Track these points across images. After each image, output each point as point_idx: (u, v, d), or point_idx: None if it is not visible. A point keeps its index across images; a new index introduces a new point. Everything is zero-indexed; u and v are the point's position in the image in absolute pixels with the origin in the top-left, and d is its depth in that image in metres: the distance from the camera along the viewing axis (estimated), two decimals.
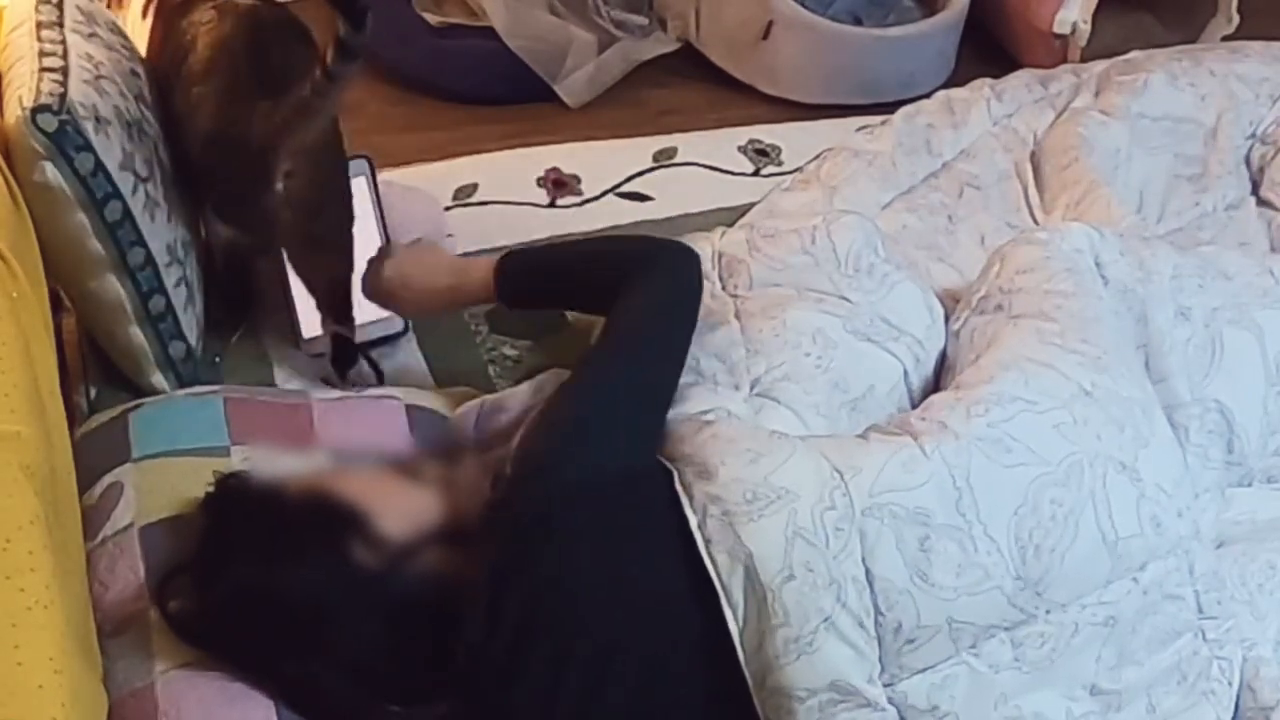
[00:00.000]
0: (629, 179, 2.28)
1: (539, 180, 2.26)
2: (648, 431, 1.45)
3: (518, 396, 1.67)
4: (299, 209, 1.66)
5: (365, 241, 1.84)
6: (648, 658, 1.33)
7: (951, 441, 1.40)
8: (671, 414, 1.49)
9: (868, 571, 1.34)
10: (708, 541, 1.34)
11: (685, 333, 1.52)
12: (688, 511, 1.36)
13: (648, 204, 2.23)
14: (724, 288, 1.76)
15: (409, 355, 1.91)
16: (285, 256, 1.80)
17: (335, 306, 1.78)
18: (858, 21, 2.85)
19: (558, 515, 1.35)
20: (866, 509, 1.35)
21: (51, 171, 1.50)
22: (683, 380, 1.55)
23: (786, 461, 1.38)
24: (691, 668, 1.35)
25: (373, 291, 1.69)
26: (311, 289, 1.78)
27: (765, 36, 2.71)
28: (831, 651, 1.31)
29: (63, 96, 1.51)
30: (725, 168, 2.34)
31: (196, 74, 1.66)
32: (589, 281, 1.58)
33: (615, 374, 1.46)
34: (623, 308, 1.49)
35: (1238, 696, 1.49)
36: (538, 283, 1.63)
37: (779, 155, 2.38)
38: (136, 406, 1.59)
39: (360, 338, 1.83)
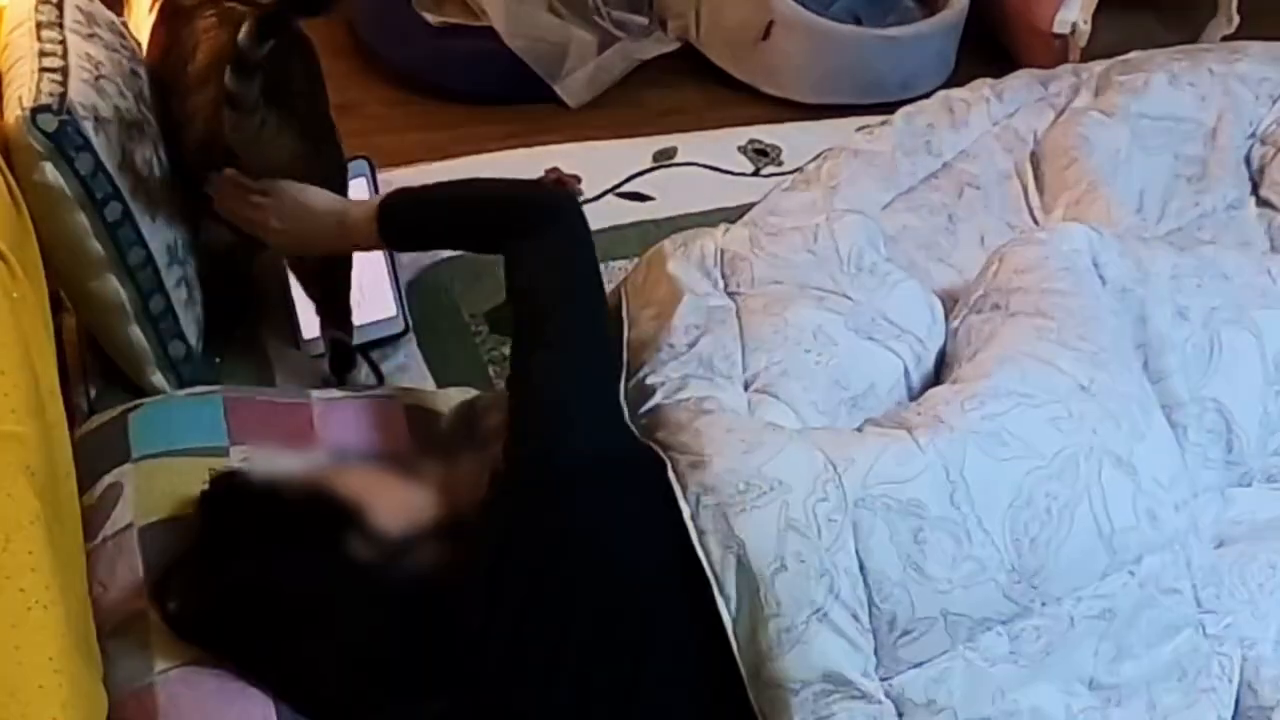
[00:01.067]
0: (629, 179, 2.28)
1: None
2: (616, 399, 1.46)
3: None
4: None
5: None
6: (643, 650, 1.33)
7: (946, 434, 1.41)
8: (668, 400, 1.50)
9: (861, 564, 1.34)
10: (700, 532, 1.34)
11: (597, 281, 1.51)
12: (681, 502, 1.36)
13: (648, 204, 2.23)
14: (726, 285, 1.76)
15: (409, 355, 1.91)
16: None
17: (332, 312, 1.78)
18: (858, 21, 2.85)
19: (552, 506, 1.35)
20: (859, 501, 1.35)
21: (51, 171, 1.51)
22: (682, 372, 1.55)
23: (780, 453, 1.38)
24: (687, 660, 1.35)
25: (245, 220, 1.62)
26: (309, 294, 1.78)
27: (765, 36, 2.72)
28: (824, 643, 1.31)
29: (63, 96, 1.51)
30: (725, 168, 2.34)
31: (195, 81, 1.66)
32: (477, 226, 1.55)
33: (568, 350, 1.44)
34: (530, 273, 1.47)
35: (1238, 695, 1.49)
36: (423, 224, 1.59)
37: (779, 155, 2.38)
38: (136, 407, 1.59)
39: (360, 338, 1.83)
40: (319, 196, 1.60)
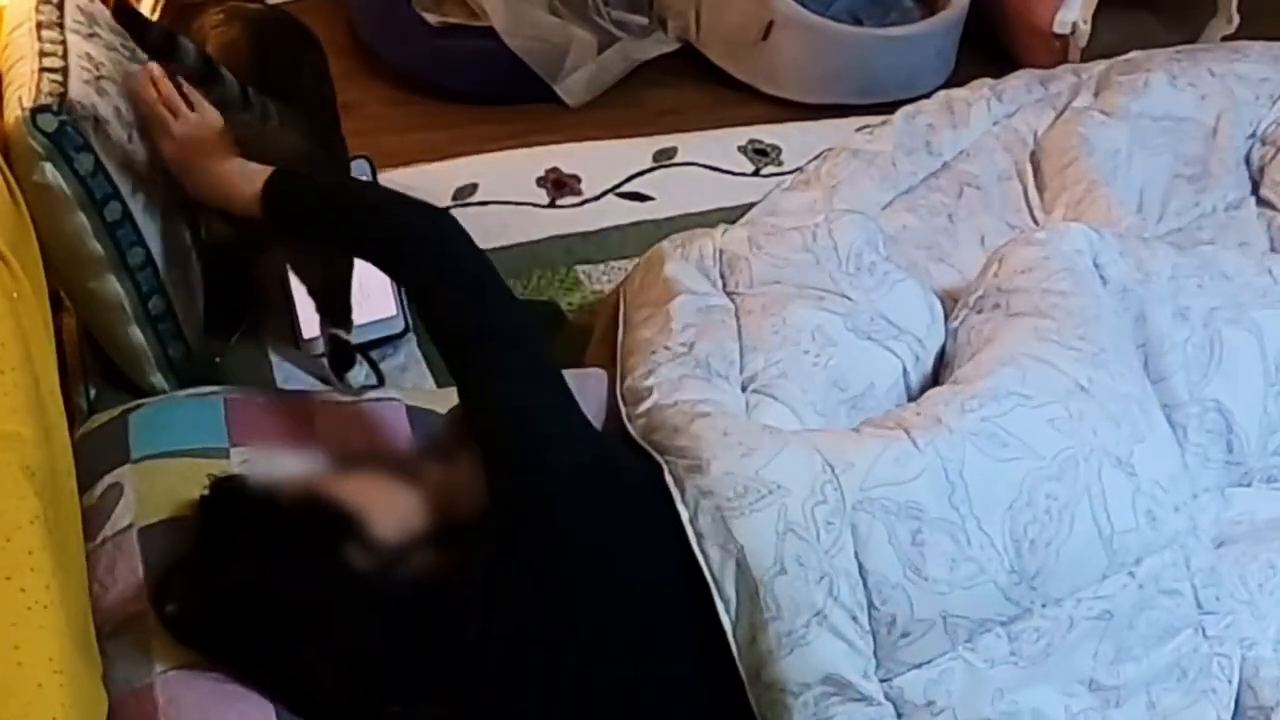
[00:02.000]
0: (629, 179, 2.28)
1: (539, 180, 2.26)
2: (579, 411, 1.41)
3: None
4: None
5: None
6: (643, 653, 1.34)
7: (945, 435, 1.41)
8: (664, 401, 1.49)
9: (860, 566, 1.34)
10: (699, 536, 1.35)
11: (510, 298, 1.46)
12: (679, 506, 1.36)
13: (648, 204, 2.23)
14: (725, 285, 1.76)
15: (409, 355, 1.91)
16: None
17: (331, 307, 1.78)
18: (858, 21, 2.85)
19: (551, 510, 1.34)
20: (858, 503, 1.35)
21: (51, 171, 1.51)
22: (680, 373, 1.55)
23: (778, 456, 1.38)
24: (687, 663, 1.36)
25: (150, 111, 1.58)
26: (309, 289, 1.79)
27: (765, 36, 2.72)
28: (824, 645, 1.32)
29: (63, 96, 1.51)
30: (725, 168, 2.34)
31: None
32: (360, 234, 1.49)
33: (519, 377, 1.39)
34: (449, 310, 1.43)
35: (1238, 695, 1.49)
36: (305, 210, 1.54)
37: (779, 155, 2.38)
38: (136, 407, 1.59)
39: (360, 338, 1.83)
40: (227, 147, 1.55)
